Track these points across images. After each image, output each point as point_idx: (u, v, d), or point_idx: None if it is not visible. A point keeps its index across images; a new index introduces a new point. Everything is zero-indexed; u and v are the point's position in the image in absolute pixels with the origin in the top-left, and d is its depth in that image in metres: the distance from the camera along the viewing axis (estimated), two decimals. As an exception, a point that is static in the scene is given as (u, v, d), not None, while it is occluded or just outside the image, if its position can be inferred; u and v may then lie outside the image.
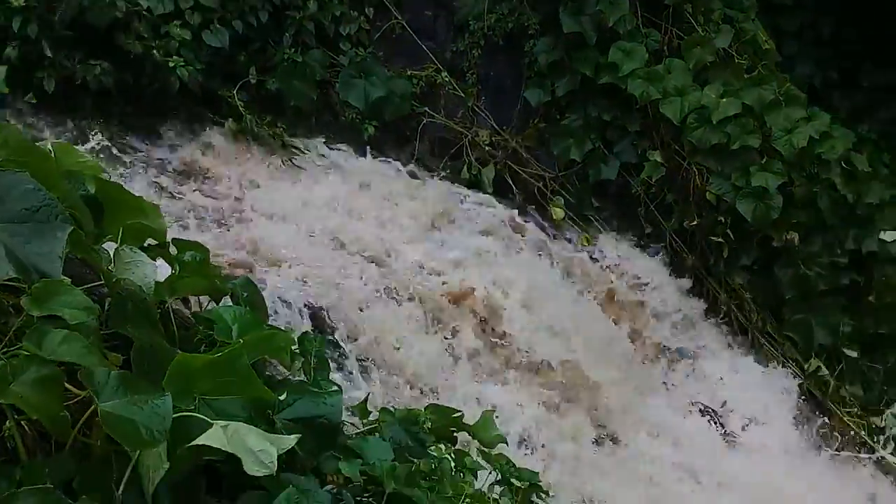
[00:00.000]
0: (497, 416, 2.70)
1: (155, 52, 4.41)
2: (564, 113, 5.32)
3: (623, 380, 4.50)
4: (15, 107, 4.34)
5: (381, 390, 3.44)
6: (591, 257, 4.92)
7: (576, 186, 5.19)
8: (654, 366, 4.72)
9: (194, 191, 4.28)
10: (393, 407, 2.80)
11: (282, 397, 1.80)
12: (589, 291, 4.61)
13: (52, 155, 2.03)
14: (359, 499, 1.90)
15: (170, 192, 4.22)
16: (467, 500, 2.12)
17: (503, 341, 4.02)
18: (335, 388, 2.04)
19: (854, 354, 4.96)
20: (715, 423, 4.64)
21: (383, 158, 5.00)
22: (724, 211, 4.93)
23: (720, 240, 4.93)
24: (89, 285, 1.94)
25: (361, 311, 3.53)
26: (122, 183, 4.14)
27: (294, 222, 4.01)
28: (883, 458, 4.74)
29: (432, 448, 2.46)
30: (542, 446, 3.74)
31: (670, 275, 5.05)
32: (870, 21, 6.88)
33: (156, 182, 4.28)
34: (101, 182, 2.11)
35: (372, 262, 3.93)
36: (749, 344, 4.97)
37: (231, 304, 2.53)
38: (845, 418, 4.78)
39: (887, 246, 4.87)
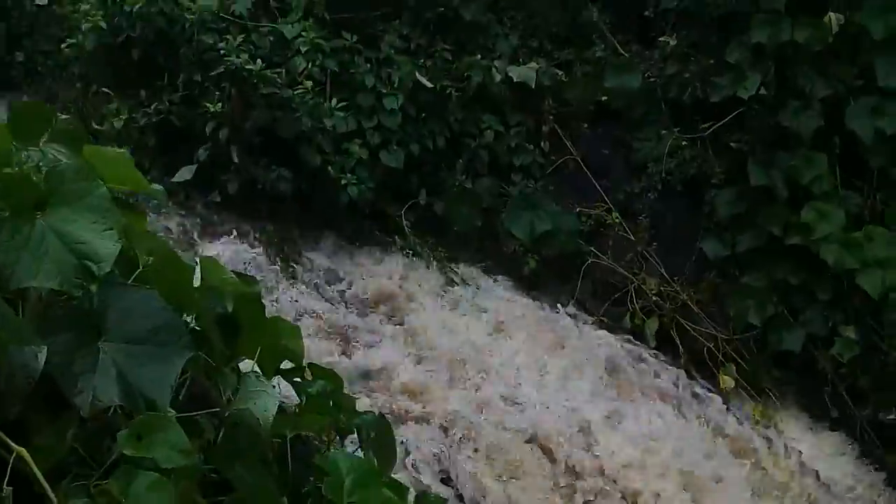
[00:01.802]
0: None
1: (331, 167, 4.52)
2: (745, 270, 4.87)
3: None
4: (197, 203, 4.57)
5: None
6: (764, 437, 4.32)
7: (752, 353, 4.66)
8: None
9: (348, 308, 4.21)
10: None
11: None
12: (761, 481, 4.00)
13: (197, 269, 1.97)
14: None
15: (322, 306, 4.18)
16: None
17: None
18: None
19: None
20: None
21: (542, 297, 4.76)
22: (932, 409, 4.23)
23: (927, 442, 4.21)
24: (208, 411, 1.81)
25: (502, 478, 3.21)
26: (279, 290, 4.20)
27: (440, 358, 3.81)
28: None
29: None
30: None
31: (861, 471, 4.32)
32: None
33: (310, 294, 4.27)
34: (240, 301, 2.01)
35: (518, 415, 3.62)
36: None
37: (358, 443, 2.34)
38: None
39: None
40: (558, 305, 4.71)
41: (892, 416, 4.30)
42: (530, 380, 3.93)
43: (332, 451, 2.24)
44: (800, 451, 4.26)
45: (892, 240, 4.63)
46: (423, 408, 3.40)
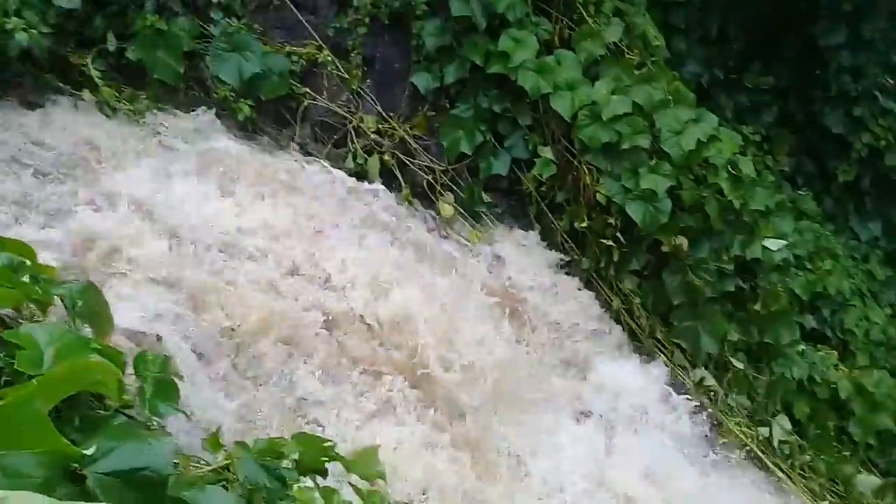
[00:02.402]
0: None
1: (-11, 10, 3.82)
2: (454, 102, 5.04)
3: (508, 383, 4.32)
4: None
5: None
6: (479, 256, 4.70)
7: (466, 181, 4.94)
8: (541, 370, 4.55)
9: (35, 174, 3.71)
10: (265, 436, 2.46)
11: (91, 449, 1.43)
12: (479, 291, 4.37)
13: None
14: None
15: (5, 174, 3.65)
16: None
17: (381, 345, 3.72)
18: (170, 427, 1.70)
19: (740, 364, 4.96)
20: (603, 428, 4.53)
21: (262, 144, 4.57)
22: (614, 213, 4.79)
23: (610, 243, 4.80)
24: None
25: (233, 330, 3.13)
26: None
27: (151, 214, 3.53)
28: (768, 467, 4.78)
29: (296, 487, 2.14)
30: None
31: (561, 275, 4.89)
32: (754, 21, 6.97)
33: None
34: None
35: (241, 261, 3.53)
36: (639, 350, 4.88)
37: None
38: (733, 428, 4.76)
39: (771, 254, 4.90)
40: (279, 151, 4.57)
41: (584, 225, 4.86)
42: (259, 228, 3.83)
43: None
44: (509, 265, 4.70)
45: (577, 63, 5.01)
46: (144, 272, 3.17)
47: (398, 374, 3.54)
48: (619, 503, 4.01)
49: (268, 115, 4.73)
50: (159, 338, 2.73)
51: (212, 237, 3.47)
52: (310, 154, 4.66)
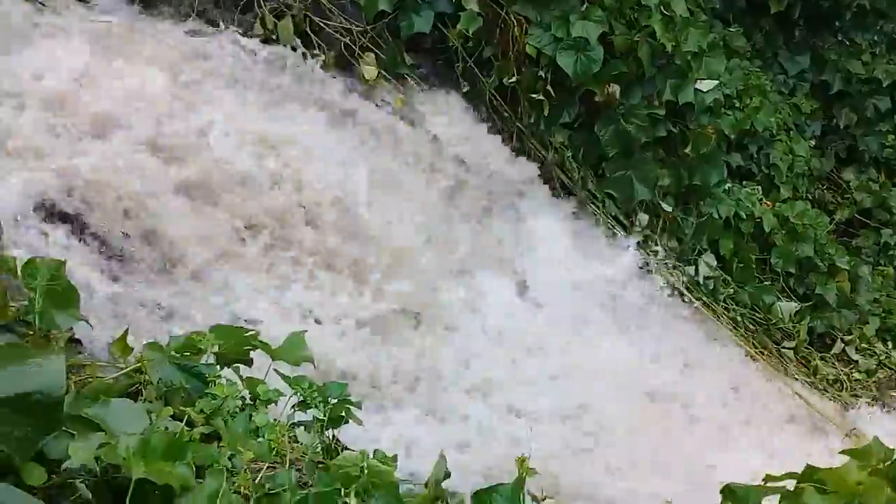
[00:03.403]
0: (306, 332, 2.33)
1: None
2: (368, -47, 4.66)
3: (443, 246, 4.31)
4: None
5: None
6: (408, 121, 4.51)
7: (387, 41, 4.64)
8: (474, 229, 4.52)
9: None
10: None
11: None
12: (409, 162, 4.24)
13: None
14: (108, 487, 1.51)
15: None
16: (251, 451, 1.78)
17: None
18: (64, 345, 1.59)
19: (669, 208, 5.00)
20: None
21: (159, 16, 4.21)
22: (544, 65, 4.60)
23: (541, 97, 4.64)
24: None
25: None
26: None
27: (37, 100, 3.25)
28: (698, 304, 4.93)
29: (217, 382, 2.08)
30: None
31: (491, 134, 4.75)
32: None
33: None
34: None
35: (144, 146, 3.32)
36: (572, 203, 4.85)
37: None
38: (662, 270, 4.86)
39: (702, 96, 4.81)
40: (180, 23, 4.21)
41: (513, 80, 4.67)
42: (170, 107, 3.60)
43: None
44: (434, 135, 4.53)
45: None
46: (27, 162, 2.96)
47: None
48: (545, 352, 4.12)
49: (163, -19, 4.32)
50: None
51: (97, 116, 3.25)
52: (212, 22, 4.31)
